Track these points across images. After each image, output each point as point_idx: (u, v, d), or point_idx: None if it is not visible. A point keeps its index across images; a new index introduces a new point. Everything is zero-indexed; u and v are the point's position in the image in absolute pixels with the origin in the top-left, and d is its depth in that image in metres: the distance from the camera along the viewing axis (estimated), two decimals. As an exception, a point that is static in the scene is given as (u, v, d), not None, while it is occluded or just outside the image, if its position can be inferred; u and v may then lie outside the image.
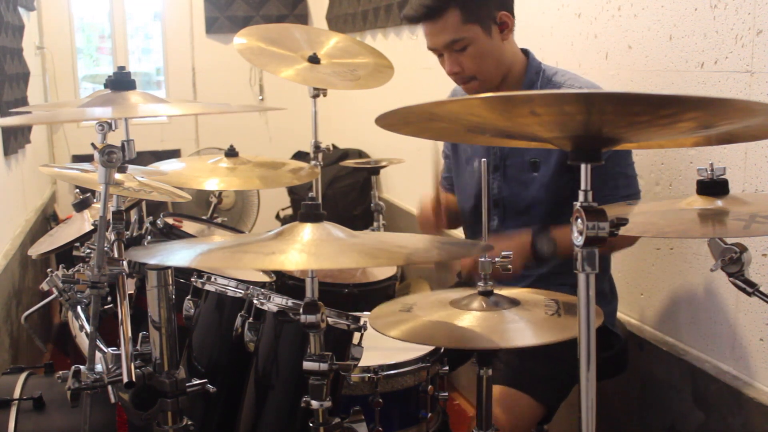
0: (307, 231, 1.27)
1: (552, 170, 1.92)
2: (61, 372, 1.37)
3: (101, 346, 1.42)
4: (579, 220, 0.99)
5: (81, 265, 1.71)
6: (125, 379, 1.28)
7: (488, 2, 1.90)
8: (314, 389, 1.34)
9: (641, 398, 2.14)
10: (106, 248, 1.38)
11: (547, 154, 1.91)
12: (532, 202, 1.97)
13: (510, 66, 1.96)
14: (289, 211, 4.77)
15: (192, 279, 1.70)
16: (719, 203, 1.25)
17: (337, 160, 4.13)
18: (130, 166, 1.73)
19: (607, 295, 2.05)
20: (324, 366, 1.33)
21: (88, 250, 2.00)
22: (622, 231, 1.04)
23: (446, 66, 1.94)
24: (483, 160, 1.49)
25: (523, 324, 1.37)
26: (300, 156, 4.48)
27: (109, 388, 1.33)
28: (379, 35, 4.02)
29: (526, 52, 2.01)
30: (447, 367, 1.73)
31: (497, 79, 1.95)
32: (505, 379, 1.85)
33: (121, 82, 1.51)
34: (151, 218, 2.14)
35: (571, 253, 1.01)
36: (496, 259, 1.46)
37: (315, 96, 2.49)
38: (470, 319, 1.38)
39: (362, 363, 1.51)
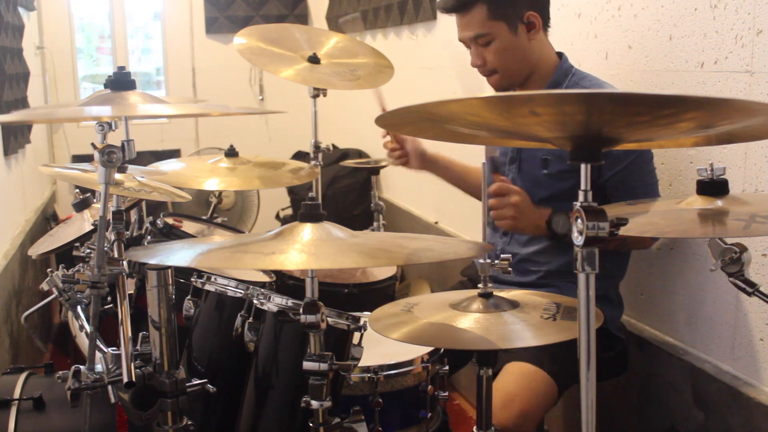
0: (307, 231, 1.27)
1: (560, 168, 1.94)
2: (61, 372, 1.37)
3: (101, 346, 1.42)
4: (579, 220, 0.99)
5: (81, 265, 1.71)
6: (125, 379, 1.28)
7: (516, 1, 1.94)
8: (314, 389, 1.34)
9: (641, 398, 2.14)
10: (106, 248, 1.38)
11: (558, 152, 1.93)
12: (542, 196, 1.99)
13: (536, 65, 1.99)
14: (289, 211, 4.76)
15: (192, 279, 1.70)
16: (719, 203, 1.25)
17: (337, 160, 4.13)
18: (130, 166, 1.73)
19: (614, 300, 2.06)
20: (324, 366, 1.33)
21: (88, 250, 1.99)
22: (625, 231, 1.04)
23: (471, 58, 2.00)
24: (483, 161, 1.50)
25: (519, 327, 1.36)
26: (300, 156, 4.48)
27: (109, 388, 1.33)
28: (379, 35, 4.02)
29: (560, 54, 2.04)
30: (447, 367, 1.73)
31: (520, 77, 2.00)
32: (524, 356, 1.85)
33: (121, 82, 1.51)
34: (151, 218, 2.14)
35: None
36: (496, 261, 1.46)
37: (315, 96, 2.49)
38: (469, 322, 1.37)
39: (362, 363, 1.51)
